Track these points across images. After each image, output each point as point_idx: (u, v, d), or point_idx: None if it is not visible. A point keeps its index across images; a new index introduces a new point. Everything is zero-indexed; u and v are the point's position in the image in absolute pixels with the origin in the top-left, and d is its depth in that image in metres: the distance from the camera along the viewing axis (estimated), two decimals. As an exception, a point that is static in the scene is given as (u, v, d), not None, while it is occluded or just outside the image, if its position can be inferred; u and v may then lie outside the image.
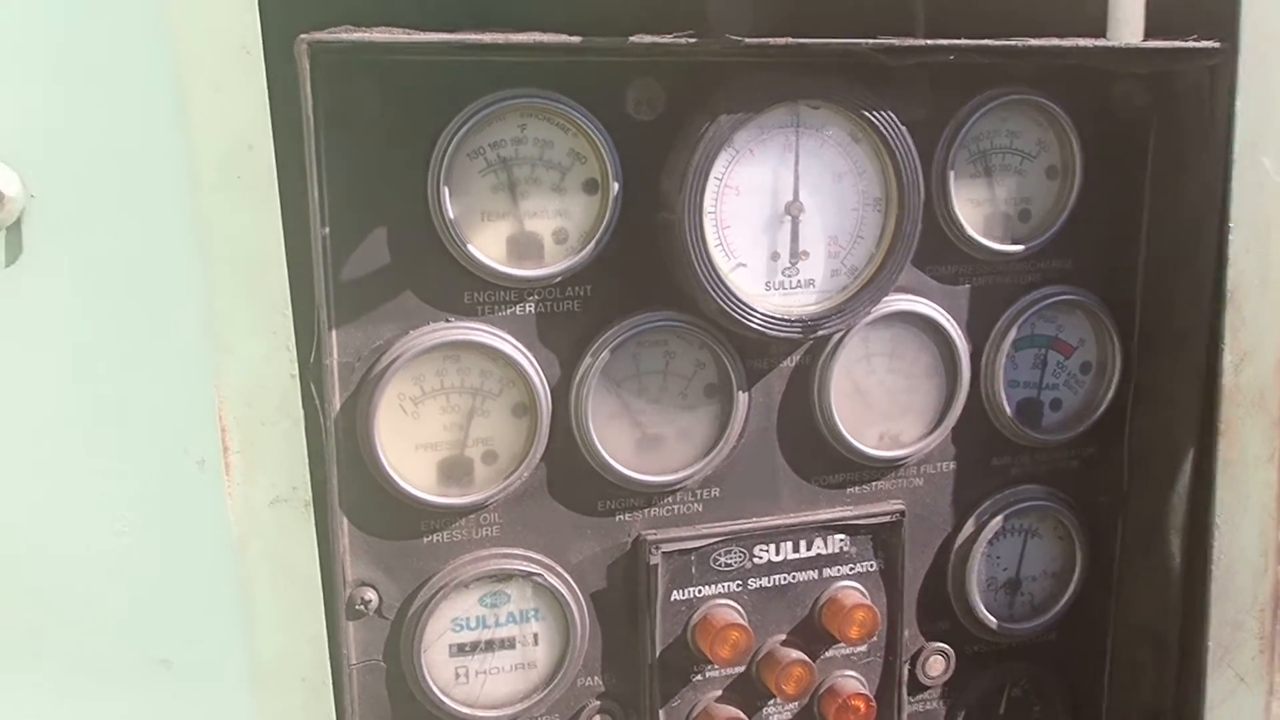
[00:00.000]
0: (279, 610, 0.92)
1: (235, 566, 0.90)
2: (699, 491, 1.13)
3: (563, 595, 1.09)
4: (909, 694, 1.24)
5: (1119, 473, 1.28)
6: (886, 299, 1.13)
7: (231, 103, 0.84)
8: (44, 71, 0.80)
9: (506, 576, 1.07)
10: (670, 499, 1.13)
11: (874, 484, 1.20)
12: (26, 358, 0.82)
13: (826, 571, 1.18)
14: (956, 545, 1.24)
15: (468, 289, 1.02)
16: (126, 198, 0.83)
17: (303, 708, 0.94)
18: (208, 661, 0.91)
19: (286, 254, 0.89)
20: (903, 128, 1.07)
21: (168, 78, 0.82)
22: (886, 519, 1.19)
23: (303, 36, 0.84)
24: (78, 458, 0.85)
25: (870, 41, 0.99)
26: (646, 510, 1.12)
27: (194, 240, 0.85)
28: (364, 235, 0.98)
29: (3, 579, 0.85)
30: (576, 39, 0.91)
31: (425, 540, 1.05)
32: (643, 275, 1.07)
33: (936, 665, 1.26)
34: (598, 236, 1.03)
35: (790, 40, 0.97)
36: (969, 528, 1.24)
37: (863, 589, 1.19)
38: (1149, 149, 1.20)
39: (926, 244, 1.13)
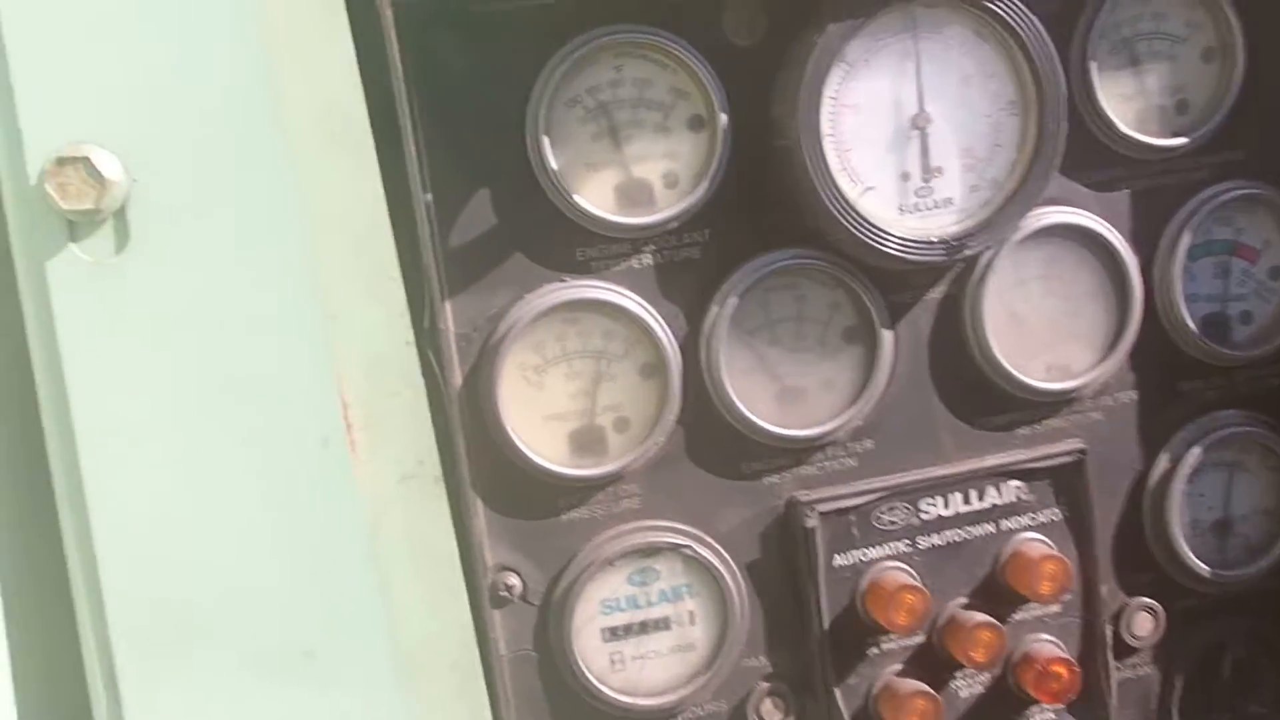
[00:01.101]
0: (421, 593, 0.91)
1: (371, 549, 0.90)
2: (851, 445, 1.09)
3: (716, 568, 1.06)
4: (1116, 658, 1.15)
5: (1333, 386, 1.18)
6: (1036, 212, 1.08)
7: (320, 62, 0.86)
8: (132, 53, 0.83)
9: (654, 551, 1.05)
10: (820, 455, 1.08)
11: (1046, 422, 1.12)
12: (139, 346, 0.84)
13: (1004, 524, 1.11)
14: (1151, 485, 1.15)
15: (580, 245, 1.01)
16: (226, 172, 0.84)
17: (457, 695, 0.93)
18: (352, 651, 0.90)
19: (394, 222, 0.90)
20: (1034, 17, 1.02)
21: (254, 44, 0.85)
22: (1066, 460, 1.11)
23: (382, -14, 0.86)
24: (199, 447, 0.87)
25: (984, -78, 0.96)
26: (796, 469, 1.08)
27: (297, 210, 0.86)
28: (467, 198, 0.98)
29: (135, 581, 0.87)
30: (661, -44, 0.91)
31: (564, 518, 1.04)
32: (764, 213, 1.04)
33: (1144, 624, 1.17)
34: (710, 175, 1.01)
35: (893, -69, 0.94)
36: (1163, 464, 1.15)
37: (1049, 540, 1.12)
38: (1321, 11, 1.12)
39: (1074, 148, 1.06)
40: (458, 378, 0.99)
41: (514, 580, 1.03)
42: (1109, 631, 1.15)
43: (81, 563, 0.84)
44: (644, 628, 1.06)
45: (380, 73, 0.89)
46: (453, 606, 0.93)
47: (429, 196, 0.95)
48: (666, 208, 1.01)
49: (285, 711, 0.90)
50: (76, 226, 0.83)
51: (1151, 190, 1.12)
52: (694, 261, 1.03)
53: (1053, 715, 1.14)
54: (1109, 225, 1.10)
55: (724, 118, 1.00)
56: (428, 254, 0.92)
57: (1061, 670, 1.11)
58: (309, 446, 0.89)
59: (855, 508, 1.08)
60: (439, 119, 0.97)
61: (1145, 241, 1.12)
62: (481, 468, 1.01)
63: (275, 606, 0.90)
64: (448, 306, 0.99)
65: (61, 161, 0.81)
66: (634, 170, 1.00)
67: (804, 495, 1.07)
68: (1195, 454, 1.15)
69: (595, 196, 1.00)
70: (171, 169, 0.84)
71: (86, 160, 0.81)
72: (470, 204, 0.98)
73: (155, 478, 0.86)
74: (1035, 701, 1.12)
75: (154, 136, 0.84)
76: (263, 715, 0.89)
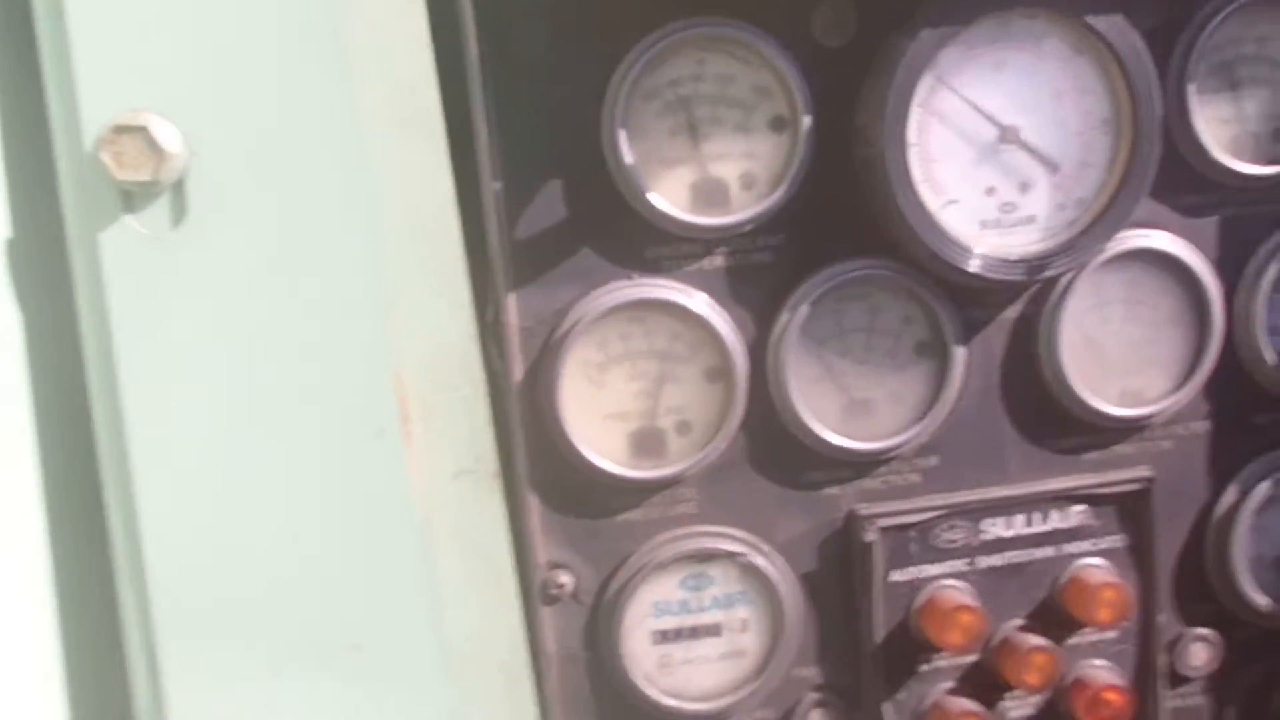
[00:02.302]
0: (471, 590, 0.79)
1: (422, 544, 0.77)
2: (915, 460, 0.95)
3: (771, 577, 0.92)
4: (1168, 687, 1.01)
5: None
6: (1120, 235, 0.92)
7: (393, 42, 0.72)
8: (201, 22, 0.70)
9: (708, 557, 0.92)
10: (884, 469, 0.94)
11: (1115, 448, 0.98)
12: (193, 323, 0.72)
13: (1066, 548, 0.97)
14: (1216, 517, 1.00)
15: (650, 243, 0.88)
16: (291, 150, 0.72)
17: (504, 693, 0.81)
18: (399, 646, 0.78)
19: (461, 210, 0.76)
20: (1134, 34, 0.86)
21: (327, 19, 0.71)
22: (1132, 487, 0.97)
23: (463, -35, 0.72)
24: (249, 432, 0.74)
25: (1095, -72, 0.79)
26: (858, 482, 0.94)
27: (363, 193, 0.73)
28: (537, 189, 0.85)
29: (181, 568, 0.74)
30: (757, -53, 0.76)
31: (619, 519, 0.91)
32: (841, 220, 0.90)
33: (1199, 654, 1.02)
34: (789, 179, 0.86)
35: (1000, -67, 0.78)
36: (1230, 496, 1.00)
37: (1109, 566, 0.97)
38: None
39: (1164, 171, 0.91)
40: (519, 372, 0.85)
41: (565, 579, 0.90)
42: (1164, 661, 1.00)
43: (127, 549, 0.73)
44: (695, 633, 0.92)
45: (455, 57, 0.76)
46: (503, 605, 0.82)
47: (499, 185, 0.81)
48: (742, 209, 0.87)
49: (329, 704, 0.79)
50: (132, 198, 0.71)
51: (1240, 218, 0.96)
52: (767, 266, 0.89)
53: (1100, 742, 0.99)
54: (1195, 251, 0.94)
55: (807, 120, 0.85)
56: (494, 245, 0.79)
57: (1114, 697, 0.97)
58: (363, 438, 0.76)
59: (916, 524, 0.94)
60: (513, 107, 0.84)
61: (1229, 270, 0.97)
62: (538, 465, 0.88)
63: (323, 598, 0.78)
64: (512, 299, 0.85)
65: (119, 130, 0.69)
66: (711, 169, 0.86)
67: (865, 509, 0.93)
68: (1264, 488, 1.00)
69: (669, 194, 0.86)
70: (235, 143, 0.72)
71: (144, 130, 0.69)
72: (540, 196, 0.85)
73: (204, 460, 0.74)
74: (1084, 727, 0.97)
75: (218, 109, 0.71)
76: (307, 707, 0.78)
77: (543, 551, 0.90)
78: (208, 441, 0.73)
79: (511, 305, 0.86)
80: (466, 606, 0.80)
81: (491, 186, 0.78)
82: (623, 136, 0.83)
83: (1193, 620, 1.01)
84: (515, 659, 0.82)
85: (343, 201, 0.73)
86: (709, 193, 0.87)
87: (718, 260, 0.89)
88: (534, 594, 0.87)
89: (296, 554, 0.76)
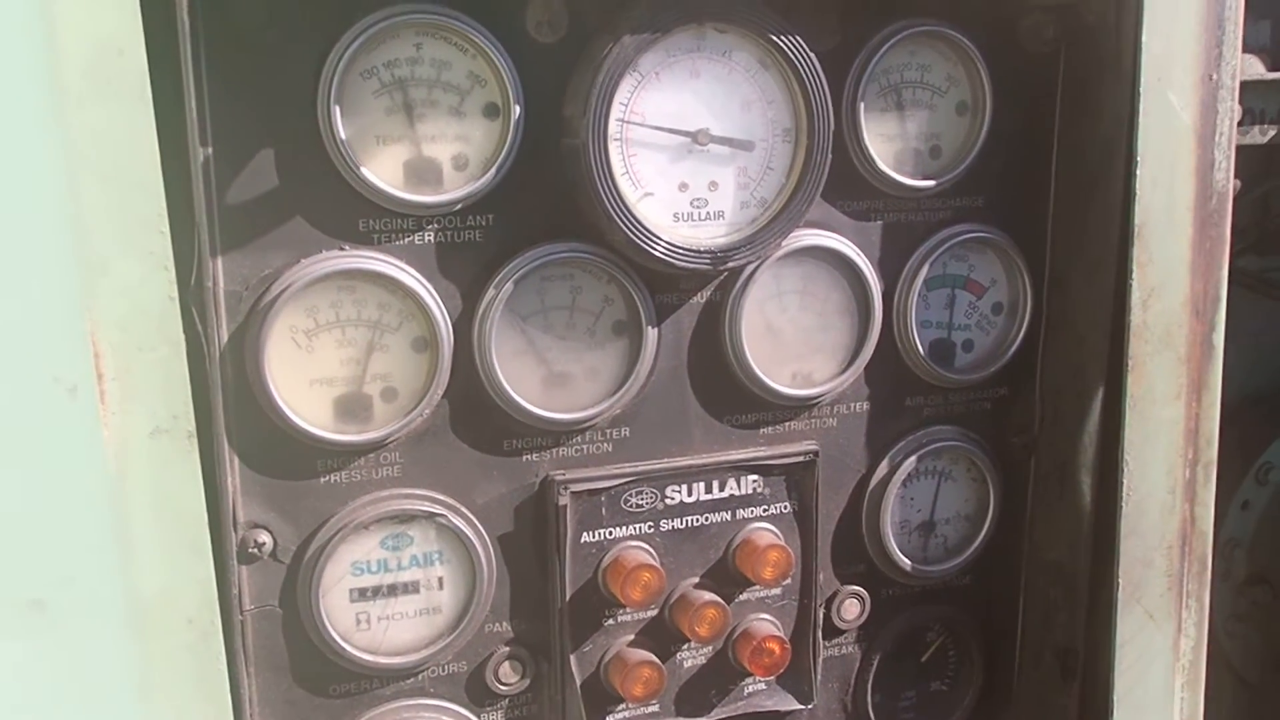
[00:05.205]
0: (161, 546, 0.87)
1: (113, 500, 0.85)
2: (608, 431, 1.11)
3: (468, 537, 1.06)
4: (824, 637, 1.23)
5: (1031, 413, 1.28)
6: (798, 233, 1.12)
7: (101, 2, 0.79)
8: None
9: (409, 518, 1.04)
10: (579, 438, 1.10)
11: (787, 424, 1.18)
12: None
13: (740, 513, 1.16)
14: (870, 487, 1.23)
15: (363, 216, 0.98)
16: (-14, 105, 0.78)
17: (189, 651, 0.89)
18: (85, 601, 0.86)
19: (169, 175, 0.84)
20: (812, 55, 1.05)
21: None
22: (800, 459, 1.17)
23: (175, -68, 0.80)
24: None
25: (777, -40, 0.97)
26: (554, 450, 1.09)
27: (61, 152, 0.80)
28: (250, 156, 0.93)
29: None
30: (472, -55, 0.88)
31: (322, 480, 1.01)
32: (548, 205, 1.04)
33: (851, 608, 1.25)
34: (499, 163, 0.99)
35: (694, -44, 0.95)
36: (883, 469, 1.23)
37: (776, 530, 1.17)
38: (1058, 84, 1.20)
39: (837, 178, 1.11)
40: (223, 335, 0.94)
41: (265, 538, 1.00)
42: (820, 613, 1.22)
43: None
44: (392, 590, 1.05)
45: (167, 14, 0.82)
46: (194, 561, 0.90)
47: (208, 151, 0.90)
48: (453, 189, 0.99)
49: (11, 661, 0.85)
50: None
51: (900, 224, 1.18)
52: (475, 244, 1.02)
53: (764, 686, 1.20)
54: (860, 251, 1.16)
55: (518, 109, 0.98)
56: (200, 210, 0.87)
57: (774, 647, 1.17)
58: (56, 395, 0.83)
59: (606, 490, 1.10)
60: (228, 73, 0.91)
61: (890, 269, 1.18)
62: (242, 426, 0.97)
63: (4, 554, 0.83)
64: (219, 263, 0.94)
65: None
66: (425, 149, 0.98)
67: (559, 475, 1.08)
68: (911, 463, 1.23)
69: (383, 170, 0.97)
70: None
71: None
72: (253, 163, 0.94)
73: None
74: (750, 674, 1.18)
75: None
76: (-15, 663, 0.84)
77: (243, 511, 0.99)
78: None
79: (218, 269, 0.94)
80: (157, 563, 0.88)
81: (199, 152, 0.87)
82: (337, 112, 0.93)
83: (846, 578, 1.24)
84: (205, 615, 0.90)
85: (37, 160, 0.79)
86: (422, 171, 0.98)
87: (429, 236, 1.01)
88: (229, 551, 0.97)
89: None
